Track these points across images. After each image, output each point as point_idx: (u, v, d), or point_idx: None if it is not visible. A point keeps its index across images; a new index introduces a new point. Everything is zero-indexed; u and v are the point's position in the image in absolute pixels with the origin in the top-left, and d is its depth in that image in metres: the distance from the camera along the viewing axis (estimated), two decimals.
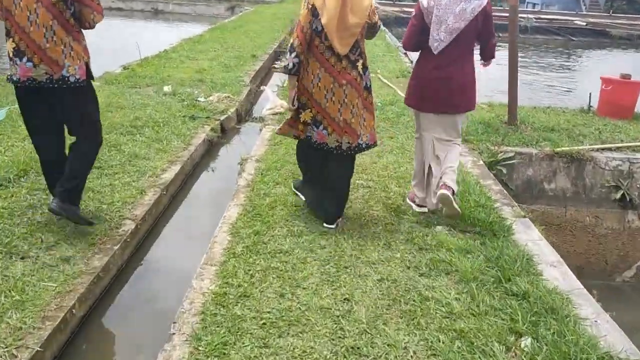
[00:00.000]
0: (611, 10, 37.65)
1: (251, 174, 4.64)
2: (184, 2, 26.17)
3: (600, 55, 20.56)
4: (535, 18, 24.79)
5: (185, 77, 8.26)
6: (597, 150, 5.76)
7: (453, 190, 3.68)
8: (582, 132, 6.33)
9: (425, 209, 4.00)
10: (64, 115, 3.37)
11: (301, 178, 4.05)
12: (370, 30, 3.47)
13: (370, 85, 3.55)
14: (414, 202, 4.09)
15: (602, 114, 7.27)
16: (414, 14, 3.77)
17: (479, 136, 5.92)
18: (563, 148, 5.69)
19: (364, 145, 3.55)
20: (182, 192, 4.82)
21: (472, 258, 3.37)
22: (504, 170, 5.43)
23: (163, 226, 4.22)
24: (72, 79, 3.22)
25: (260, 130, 6.17)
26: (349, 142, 3.49)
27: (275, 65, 11.79)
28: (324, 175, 3.68)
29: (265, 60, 10.79)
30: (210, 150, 5.84)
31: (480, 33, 3.67)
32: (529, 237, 3.80)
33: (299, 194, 4.07)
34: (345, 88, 3.38)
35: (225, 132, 6.42)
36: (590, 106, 7.55)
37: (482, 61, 3.92)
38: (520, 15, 27.48)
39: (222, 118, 6.42)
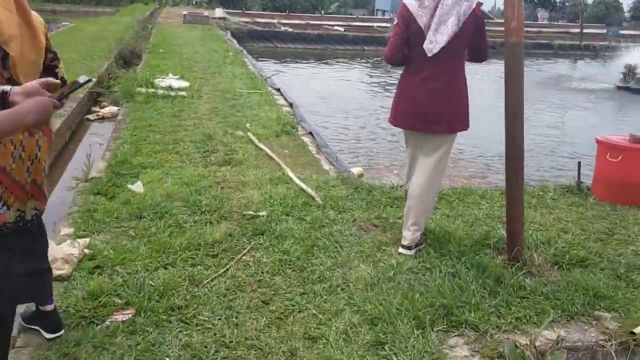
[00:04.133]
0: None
1: None
2: None
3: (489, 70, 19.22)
4: None
5: None
6: None
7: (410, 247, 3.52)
8: (629, 258, 3.66)
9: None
10: None
11: None
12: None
13: None
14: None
15: (602, 197, 4.74)
16: (395, 22, 3.52)
17: (483, 308, 2.95)
18: None
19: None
20: None
21: None
22: None
23: None
24: None
25: None
26: (36, 209, 2.42)
27: (90, 117, 8.02)
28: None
29: (70, 113, 7.02)
30: None
31: (472, 37, 3.37)
32: None
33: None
34: (38, 137, 2.39)
35: None
36: (581, 182, 4.99)
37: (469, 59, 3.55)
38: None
39: None
